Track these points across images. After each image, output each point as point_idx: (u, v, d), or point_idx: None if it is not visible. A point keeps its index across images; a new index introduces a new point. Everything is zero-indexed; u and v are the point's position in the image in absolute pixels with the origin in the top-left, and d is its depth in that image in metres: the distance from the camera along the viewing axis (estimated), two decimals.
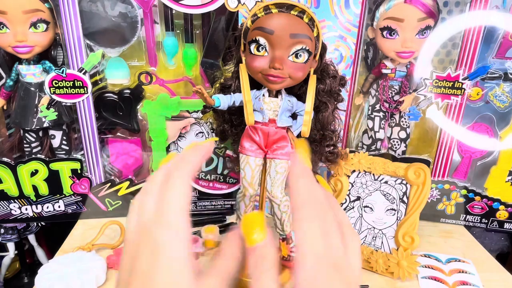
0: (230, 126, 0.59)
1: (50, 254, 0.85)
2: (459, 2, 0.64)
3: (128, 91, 0.67)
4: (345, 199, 0.63)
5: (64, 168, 0.68)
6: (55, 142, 0.69)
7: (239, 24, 0.62)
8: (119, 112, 0.69)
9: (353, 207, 0.63)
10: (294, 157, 0.26)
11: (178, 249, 0.23)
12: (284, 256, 0.57)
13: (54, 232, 0.81)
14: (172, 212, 0.24)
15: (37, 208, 0.71)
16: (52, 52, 0.65)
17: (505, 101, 0.68)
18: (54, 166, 0.68)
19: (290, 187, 0.25)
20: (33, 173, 0.67)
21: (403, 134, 0.71)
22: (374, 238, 0.61)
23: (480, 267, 0.62)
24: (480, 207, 0.73)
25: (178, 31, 0.66)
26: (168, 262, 0.22)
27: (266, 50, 0.46)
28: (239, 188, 0.55)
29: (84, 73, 0.63)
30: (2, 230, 0.77)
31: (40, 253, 0.84)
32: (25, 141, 0.68)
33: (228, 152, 0.70)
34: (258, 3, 0.61)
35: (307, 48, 0.46)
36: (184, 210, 0.24)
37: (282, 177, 0.52)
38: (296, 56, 0.46)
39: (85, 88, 0.64)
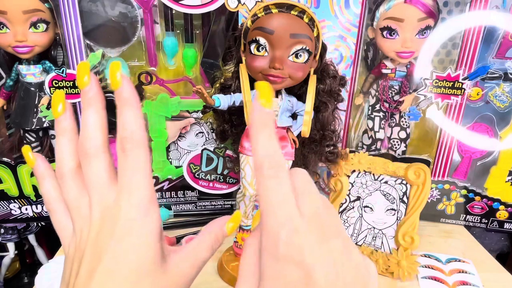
0: (230, 126, 0.59)
1: (50, 254, 0.85)
2: (459, 2, 0.64)
3: None
4: (345, 199, 0.63)
5: None
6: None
7: (239, 24, 0.62)
8: None
9: (353, 207, 0.63)
10: (254, 102, 0.22)
11: (147, 231, 0.23)
12: None
13: (54, 232, 0.81)
14: (141, 194, 0.24)
15: (37, 208, 0.71)
16: (52, 52, 0.65)
17: (505, 101, 0.68)
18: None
19: (251, 141, 0.21)
20: (33, 173, 0.67)
21: (403, 134, 0.71)
22: (374, 238, 0.61)
23: (480, 267, 0.62)
24: (480, 207, 0.73)
25: (178, 31, 0.66)
26: (137, 244, 0.22)
27: (266, 50, 0.46)
28: (239, 188, 0.55)
29: None
30: (2, 230, 0.77)
31: (40, 253, 0.84)
32: (25, 141, 0.68)
33: (228, 152, 0.70)
34: (258, 3, 0.61)
35: (307, 48, 0.46)
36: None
37: None
38: (296, 56, 0.46)
39: None
